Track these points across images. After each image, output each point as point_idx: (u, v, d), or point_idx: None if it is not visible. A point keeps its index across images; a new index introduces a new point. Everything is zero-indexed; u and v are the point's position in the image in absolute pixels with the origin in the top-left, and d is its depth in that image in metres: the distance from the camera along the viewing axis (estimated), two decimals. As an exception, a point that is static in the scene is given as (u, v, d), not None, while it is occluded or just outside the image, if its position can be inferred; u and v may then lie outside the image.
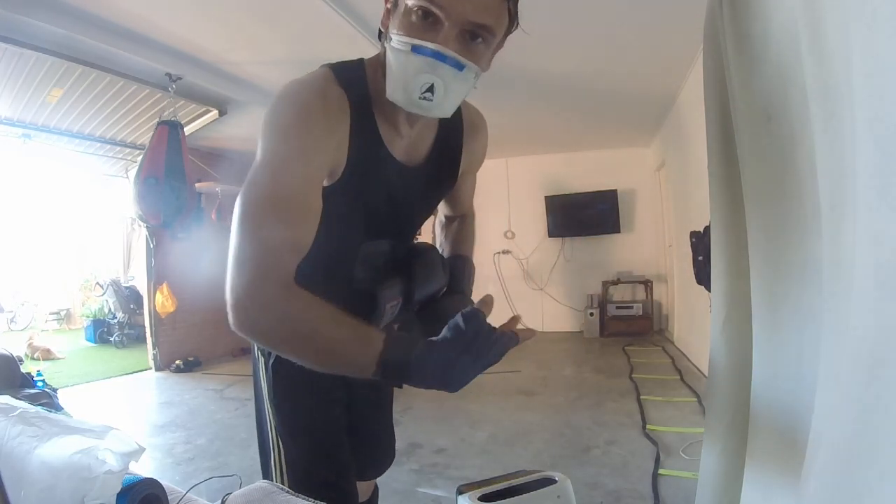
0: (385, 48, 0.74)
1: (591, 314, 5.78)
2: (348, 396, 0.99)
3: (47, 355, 5.58)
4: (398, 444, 2.73)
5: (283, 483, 0.92)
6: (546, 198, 6.26)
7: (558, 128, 5.18)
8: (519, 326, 0.76)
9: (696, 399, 3.14)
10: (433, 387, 0.65)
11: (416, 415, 3.18)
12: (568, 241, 6.30)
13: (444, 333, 0.66)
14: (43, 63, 2.93)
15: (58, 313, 8.53)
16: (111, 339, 6.60)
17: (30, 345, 5.65)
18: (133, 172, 3.95)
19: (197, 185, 4.07)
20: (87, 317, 7.39)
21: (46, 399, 2.43)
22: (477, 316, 0.69)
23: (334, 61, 0.81)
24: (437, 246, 1.12)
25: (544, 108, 4.45)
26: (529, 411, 3.13)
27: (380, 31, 0.78)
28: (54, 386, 2.90)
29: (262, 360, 0.95)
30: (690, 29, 2.48)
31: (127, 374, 4.80)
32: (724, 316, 1.10)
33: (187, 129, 3.76)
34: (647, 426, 2.70)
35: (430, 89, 0.69)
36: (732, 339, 1.08)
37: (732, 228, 1.07)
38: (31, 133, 3.87)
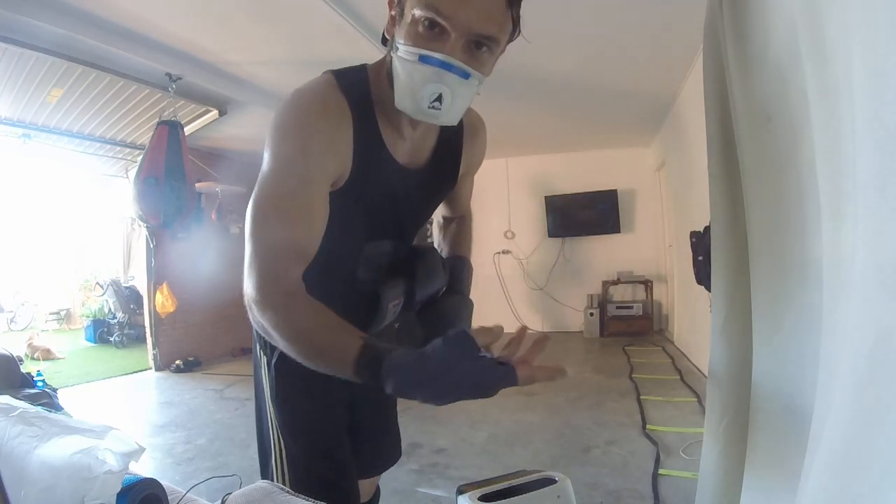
0: (391, 56, 0.75)
1: (591, 314, 5.78)
2: (350, 395, 0.99)
3: (47, 355, 5.58)
4: (398, 444, 2.70)
5: (283, 482, 0.92)
6: (546, 198, 6.26)
7: (558, 128, 5.18)
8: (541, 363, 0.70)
9: (696, 399, 3.14)
10: (411, 396, 0.64)
11: (416, 415, 3.19)
12: (568, 241, 6.30)
13: (426, 348, 0.63)
14: (43, 63, 2.93)
15: (58, 313, 8.54)
16: (111, 339, 6.60)
17: (30, 345, 5.65)
18: (133, 172, 3.95)
19: (197, 185, 4.08)
20: (87, 317, 7.39)
21: (46, 399, 2.43)
22: (461, 339, 0.63)
23: (337, 67, 0.83)
24: (436, 247, 1.14)
25: (544, 108, 4.45)
26: (529, 411, 3.13)
27: (384, 38, 0.79)
28: (54, 386, 2.91)
29: (263, 358, 0.95)
30: (690, 29, 2.48)
31: (127, 374, 4.80)
32: (724, 316, 1.10)
33: (187, 129, 3.76)
34: (647, 426, 2.70)
35: (439, 98, 0.70)
36: (732, 339, 1.08)
37: (732, 228, 1.07)
38: (31, 133, 3.87)
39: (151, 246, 4.79)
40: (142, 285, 5.63)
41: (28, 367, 3.30)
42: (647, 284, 5.80)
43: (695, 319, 4.04)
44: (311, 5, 2.44)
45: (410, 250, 0.98)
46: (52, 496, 0.71)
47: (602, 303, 5.88)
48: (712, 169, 1.14)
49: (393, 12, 0.75)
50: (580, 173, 6.15)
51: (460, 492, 0.90)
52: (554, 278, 6.33)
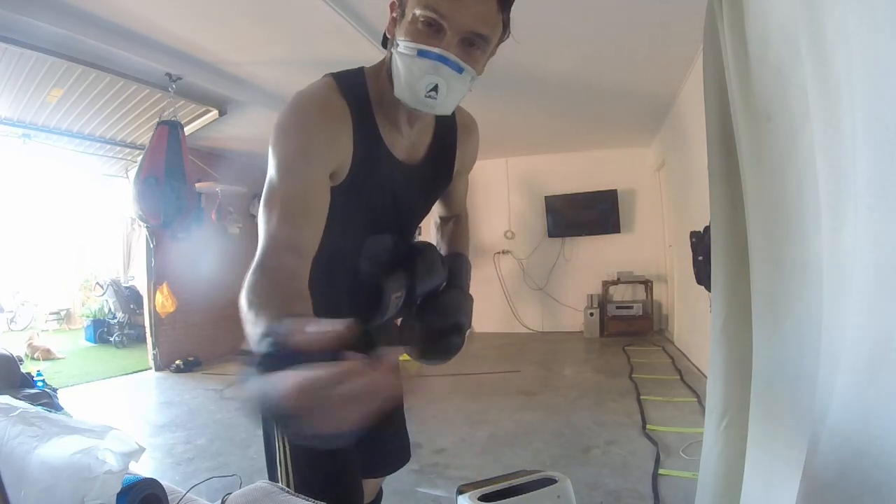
0: (391, 53, 0.81)
1: (591, 314, 5.78)
2: None
3: (47, 355, 5.58)
4: (399, 444, 2.70)
5: (287, 481, 0.92)
6: (546, 198, 6.26)
7: (558, 128, 5.18)
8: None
9: (696, 399, 3.14)
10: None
11: (416, 415, 3.18)
12: (568, 241, 6.30)
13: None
14: (43, 63, 2.93)
15: (58, 313, 8.53)
16: (111, 339, 6.59)
17: (30, 345, 5.65)
18: (133, 172, 3.94)
19: (197, 185, 4.07)
20: (87, 317, 7.39)
21: (46, 399, 2.43)
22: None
23: (337, 67, 0.87)
24: (435, 245, 1.15)
25: (544, 108, 4.45)
26: (529, 411, 3.13)
27: (384, 38, 0.86)
28: (54, 386, 2.90)
29: None
30: (690, 29, 2.48)
31: (127, 374, 4.80)
32: (724, 316, 1.10)
33: (187, 129, 3.76)
34: (647, 426, 2.70)
35: (435, 89, 0.77)
36: (732, 339, 1.08)
37: (732, 228, 1.07)
38: (31, 133, 3.87)
39: (151, 246, 4.79)
40: (142, 285, 5.62)
41: (28, 367, 3.30)
42: (647, 284, 5.80)
43: (695, 319, 4.04)
44: (311, 5, 2.44)
45: (411, 246, 1.01)
46: (52, 496, 0.71)
47: (602, 303, 5.88)
48: (712, 169, 1.14)
49: (394, 14, 0.81)
50: (580, 173, 6.15)
51: (460, 492, 0.90)
52: (554, 278, 6.33)
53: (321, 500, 0.79)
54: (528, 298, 6.43)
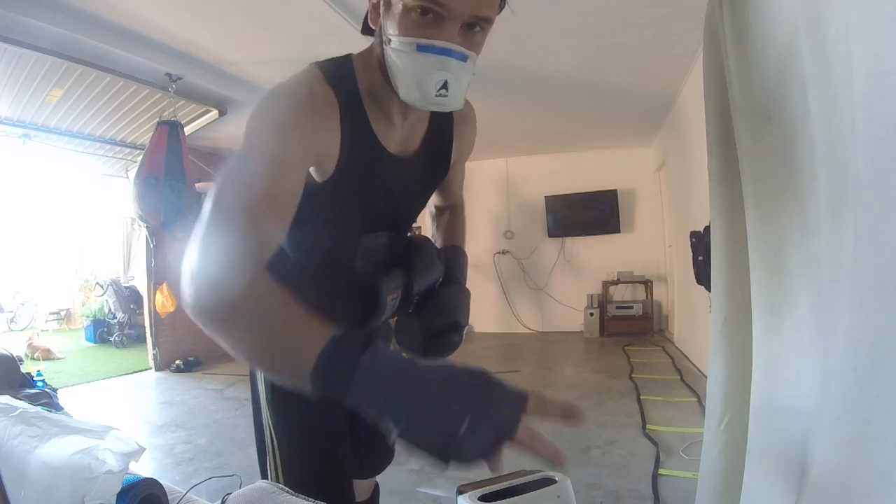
0: (382, 49, 0.74)
1: (591, 314, 5.78)
2: None
3: (47, 355, 5.58)
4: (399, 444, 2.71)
5: (280, 483, 0.90)
6: (546, 198, 6.26)
7: (558, 128, 5.18)
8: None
9: (696, 399, 3.14)
10: (381, 420, 0.52)
11: (416, 415, 3.19)
12: (568, 241, 6.30)
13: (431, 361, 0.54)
14: (43, 63, 2.93)
15: (58, 313, 8.54)
16: (111, 339, 6.59)
17: (30, 345, 5.65)
18: (133, 172, 3.95)
19: (197, 185, 4.07)
20: (87, 317, 7.39)
21: (46, 399, 2.43)
22: (483, 372, 0.53)
23: (322, 59, 0.80)
24: (430, 236, 1.12)
25: (545, 108, 4.45)
26: (529, 411, 3.13)
27: (365, 27, 0.77)
28: (54, 386, 2.91)
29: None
30: (690, 29, 2.49)
31: (127, 374, 4.80)
32: (724, 316, 1.10)
33: (187, 129, 3.76)
34: (647, 426, 2.70)
35: (444, 86, 0.69)
36: (732, 339, 1.08)
37: (732, 228, 1.07)
38: (31, 133, 3.87)
39: (151, 246, 4.79)
40: (142, 285, 5.62)
41: (28, 367, 3.30)
42: (647, 284, 5.80)
43: (695, 319, 4.04)
44: (311, 5, 2.44)
45: (407, 242, 0.95)
46: (52, 496, 0.71)
47: (602, 303, 5.88)
48: (712, 169, 1.14)
49: (375, 0, 0.73)
50: (580, 173, 6.15)
51: (460, 492, 0.90)
52: (554, 278, 6.33)
53: (313, 500, 0.78)
54: (528, 298, 6.43)
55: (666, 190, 5.43)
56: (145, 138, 3.96)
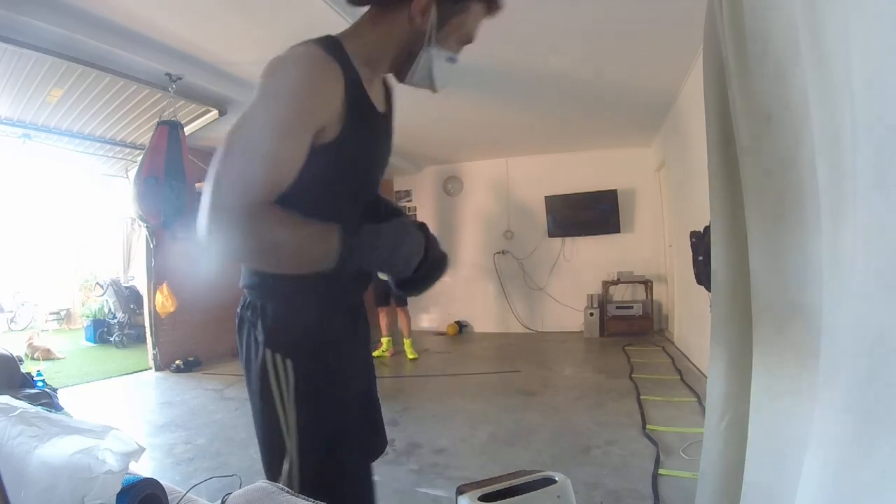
0: (411, 35, 0.89)
1: (591, 314, 5.78)
2: (367, 384, 1.04)
3: (47, 355, 5.58)
4: (398, 444, 2.73)
5: (299, 481, 0.90)
6: (546, 198, 6.26)
7: (558, 128, 5.18)
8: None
9: (696, 399, 3.14)
10: (383, 266, 0.86)
11: (416, 415, 3.18)
12: (568, 241, 6.30)
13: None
14: (43, 63, 2.93)
15: (58, 313, 8.53)
16: (111, 339, 6.59)
17: (30, 345, 5.64)
18: (133, 172, 3.95)
19: (197, 185, 4.06)
20: (87, 317, 7.39)
21: (46, 399, 2.43)
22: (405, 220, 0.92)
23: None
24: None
25: (544, 108, 4.45)
26: (529, 411, 3.13)
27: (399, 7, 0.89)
28: (54, 386, 2.90)
29: (278, 358, 0.93)
30: (690, 29, 2.48)
31: (127, 374, 4.79)
32: (724, 316, 1.10)
33: (187, 129, 3.75)
34: (647, 426, 2.70)
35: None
36: (732, 339, 1.08)
37: (732, 228, 1.07)
38: (31, 133, 3.87)
39: (151, 246, 4.78)
40: (142, 285, 5.62)
41: (28, 367, 3.29)
42: (647, 284, 5.80)
43: (695, 319, 4.04)
44: (311, 5, 2.44)
45: (387, 206, 1.10)
46: (52, 496, 0.71)
47: (602, 303, 5.88)
48: (712, 169, 1.14)
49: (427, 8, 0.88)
50: (580, 173, 6.15)
51: (460, 492, 0.90)
52: (554, 278, 6.33)
53: (333, 499, 0.77)
54: (527, 298, 6.43)
55: (666, 190, 5.43)
56: (145, 138, 3.96)
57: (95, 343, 6.77)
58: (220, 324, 5.35)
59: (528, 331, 6.35)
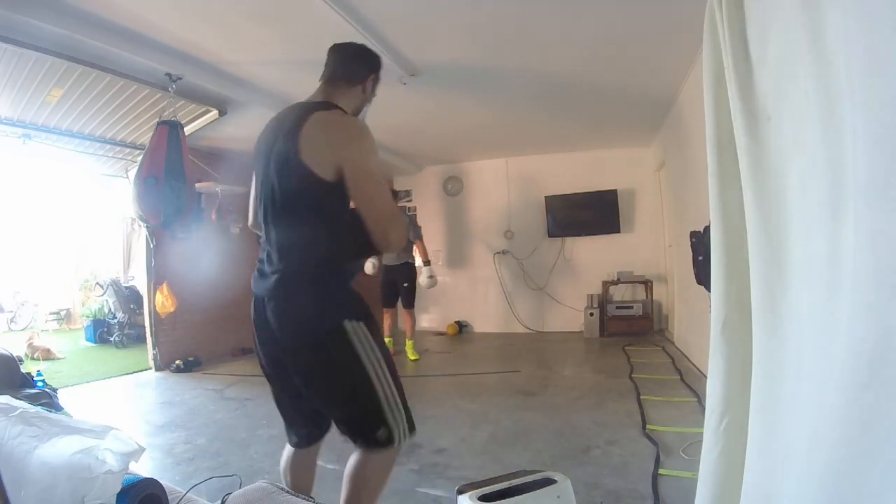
0: (364, 100, 1.56)
1: (591, 314, 5.78)
2: None
3: (47, 355, 5.58)
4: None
5: (402, 418, 1.37)
6: (546, 198, 6.26)
7: (558, 128, 5.18)
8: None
9: (696, 399, 3.14)
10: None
11: (416, 415, 3.18)
12: (568, 241, 6.30)
13: None
14: (43, 63, 2.93)
15: (58, 313, 8.53)
16: (111, 339, 6.59)
17: (30, 345, 5.64)
18: (133, 172, 3.94)
19: (197, 185, 4.07)
20: (87, 317, 7.39)
21: (46, 399, 2.43)
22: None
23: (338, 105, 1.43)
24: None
25: (544, 108, 4.45)
26: (529, 411, 3.13)
27: (354, 81, 1.52)
28: (54, 386, 2.90)
29: (359, 325, 1.32)
30: (690, 29, 2.48)
31: (127, 374, 4.79)
32: (724, 316, 1.10)
33: (187, 129, 3.75)
34: (647, 426, 2.70)
35: None
36: (732, 339, 1.08)
37: (732, 228, 1.07)
38: (31, 133, 3.87)
39: (151, 246, 4.78)
40: (142, 285, 5.62)
41: (28, 367, 3.29)
42: (647, 284, 5.80)
43: (695, 319, 4.04)
44: (311, 5, 2.44)
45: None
46: (52, 496, 0.71)
47: (602, 303, 5.87)
48: (712, 169, 1.14)
49: (373, 78, 1.56)
50: (580, 173, 6.15)
51: (460, 492, 0.90)
52: (554, 278, 6.33)
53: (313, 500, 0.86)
54: (528, 298, 6.43)
55: (666, 190, 5.43)
56: (145, 138, 3.96)
57: (95, 343, 6.77)
58: (220, 324, 5.35)
59: (528, 331, 6.35)
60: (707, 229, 2.33)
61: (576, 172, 6.17)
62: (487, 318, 6.49)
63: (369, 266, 4.52)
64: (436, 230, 6.67)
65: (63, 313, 8.59)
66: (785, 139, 0.85)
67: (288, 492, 0.81)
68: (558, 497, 0.86)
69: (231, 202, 5.35)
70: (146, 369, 4.87)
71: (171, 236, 4.79)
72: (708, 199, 1.18)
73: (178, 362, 4.80)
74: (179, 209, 3.33)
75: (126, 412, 3.62)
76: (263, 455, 2.52)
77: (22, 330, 7.77)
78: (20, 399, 1.02)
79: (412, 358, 4.86)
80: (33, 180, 7.20)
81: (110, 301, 6.97)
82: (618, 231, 6.05)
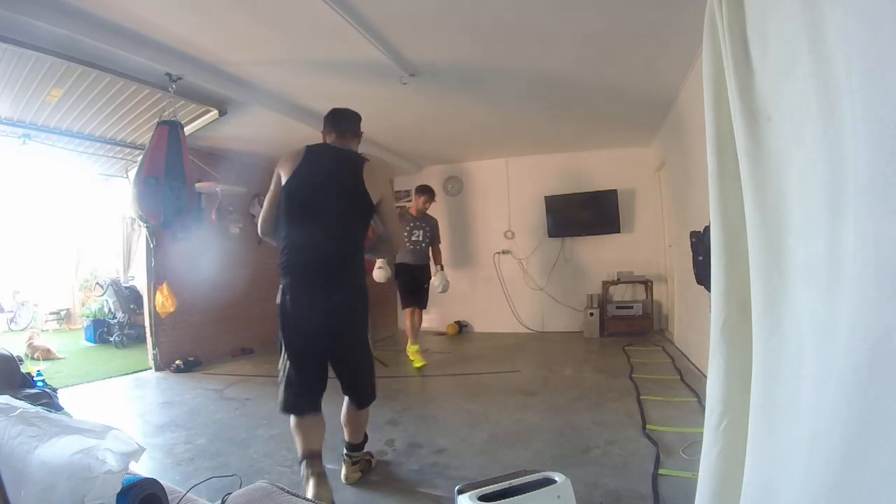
0: (358, 143, 2.28)
1: (591, 314, 5.78)
2: None
3: (47, 355, 5.58)
4: (399, 444, 2.73)
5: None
6: (546, 198, 6.26)
7: (558, 128, 5.18)
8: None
9: (696, 399, 3.14)
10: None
11: (416, 415, 3.19)
12: (568, 241, 6.30)
13: None
14: (43, 63, 2.93)
15: (58, 313, 8.54)
16: (111, 339, 6.59)
17: (30, 345, 5.65)
18: (133, 172, 3.94)
19: (197, 185, 4.07)
20: (87, 317, 7.39)
21: (46, 399, 2.43)
22: None
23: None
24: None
25: (545, 108, 4.45)
26: (529, 411, 3.13)
27: (354, 133, 2.26)
28: (54, 386, 2.90)
29: (364, 300, 2.09)
30: (690, 29, 2.48)
31: (127, 374, 4.79)
32: (724, 316, 1.10)
33: (187, 129, 3.75)
34: (647, 426, 2.70)
35: None
36: (732, 339, 1.08)
37: (732, 228, 1.07)
38: (31, 133, 3.87)
39: (151, 246, 4.78)
40: (142, 285, 5.62)
41: (28, 367, 3.29)
42: (647, 284, 5.80)
43: (695, 319, 4.04)
44: (311, 5, 2.44)
45: None
46: (52, 496, 0.71)
47: (602, 303, 5.87)
48: (712, 169, 1.14)
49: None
50: (580, 173, 6.15)
51: (460, 492, 0.90)
52: (554, 278, 6.33)
53: (313, 500, 0.92)
54: (528, 298, 6.43)
55: (666, 190, 5.43)
56: (145, 138, 3.96)
57: (95, 343, 6.77)
58: (220, 324, 5.36)
59: (528, 331, 6.35)
60: (707, 229, 2.34)
61: (576, 172, 6.17)
62: (487, 318, 6.49)
63: (382, 275, 4.41)
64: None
65: (63, 313, 8.60)
66: (785, 139, 0.85)
67: (288, 491, 0.81)
68: (558, 497, 0.86)
69: (231, 202, 5.35)
70: (146, 369, 4.87)
71: (171, 236, 4.79)
72: (708, 199, 1.18)
73: (178, 362, 4.80)
74: (179, 209, 3.33)
75: (126, 412, 3.61)
76: (263, 455, 2.52)
77: (22, 330, 7.78)
78: (20, 399, 1.02)
79: (418, 365, 4.63)
80: (33, 180, 7.19)
81: (110, 301, 6.97)
82: (618, 231, 6.05)
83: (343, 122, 2.19)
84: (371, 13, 2.59)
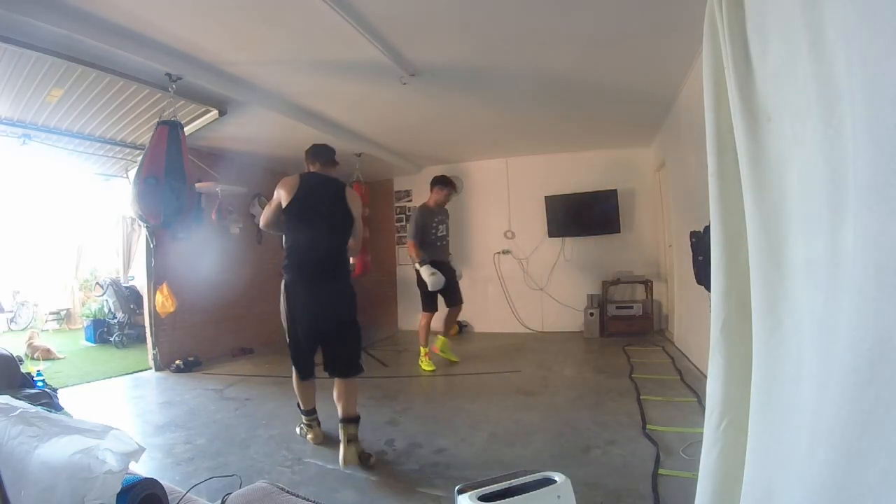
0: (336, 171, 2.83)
1: (591, 314, 5.78)
2: None
3: (47, 355, 5.58)
4: (399, 444, 2.73)
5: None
6: (546, 198, 6.25)
7: (558, 128, 5.18)
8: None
9: (696, 399, 3.14)
10: None
11: (416, 415, 3.19)
12: (568, 241, 6.30)
13: None
14: (43, 63, 2.93)
15: (58, 313, 8.54)
16: (111, 339, 6.59)
17: (30, 345, 5.65)
18: (133, 172, 3.94)
19: (197, 185, 4.07)
20: (87, 317, 7.40)
21: (46, 399, 2.43)
22: None
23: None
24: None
25: (544, 108, 4.45)
26: (529, 411, 3.13)
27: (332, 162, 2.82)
28: (54, 386, 2.90)
29: (349, 285, 2.66)
30: (690, 29, 2.48)
31: (127, 374, 4.79)
32: (724, 316, 1.10)
33: (187, 129, 3.75)
34: (647, 426, 2.70)
35: None
36: (732, 339, 1.08)
37: (732, 228, 1.06)
38: (31, 133, 3.87)
39: (151, 246, 4.78)
40: (142, 285, 5.62)
41: (28, 367, 3.29)
42: (647, 284, 5.80)
43: (695, 319, 4.04)
44: (311, 5, 2.44)
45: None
46: (52, 496, 0.71)
47: (602, 303, 5.87)
48: (712, 169, 1.14)
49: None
50: (580, 173, 6.15)
51: (460, 492, 0.90)
52: (554, 278, 6.33)
53: (313, 500, 0.91)
54: (528, 298, 6.43)
55: (666, 190, 5.42)
56: (145, 138, 3.96)
57: (95, 343, 6.77)
58: (220, 324, 5.36)
59: (528, 331, 6.35)
60: (707, 229, 2.33)
61: (576, 172, 6.17)
62: (487, 318, 6.49)
63: (437, 282, 4.24)
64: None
65: (63, 313, 8.60)
66: (785, 139, 0.85)
67: (288, 491, 0.81)
68: (558, 497, 0.86)
69: (231, 202, 5.36)
70: (146, 369, 4.87)
71: (171, 236, 4.79)
72: (708, 199, 1.18)
73: (178, 362, 4.80)
74: (179, 209, 3.33)
75: (126, 412, 3.61)
76: (263, 455, 2.52)
77: (22, 330, 7.78)
78: (20, 399, 1.02)
79: (428, 369, 4.42)
80: (33, 180, 7.20)
81: (110, 301, 6.97)
82: (618, 231, 6.05)
83: (324, 154, 2.76)
84: (371, 13, 2.59)
